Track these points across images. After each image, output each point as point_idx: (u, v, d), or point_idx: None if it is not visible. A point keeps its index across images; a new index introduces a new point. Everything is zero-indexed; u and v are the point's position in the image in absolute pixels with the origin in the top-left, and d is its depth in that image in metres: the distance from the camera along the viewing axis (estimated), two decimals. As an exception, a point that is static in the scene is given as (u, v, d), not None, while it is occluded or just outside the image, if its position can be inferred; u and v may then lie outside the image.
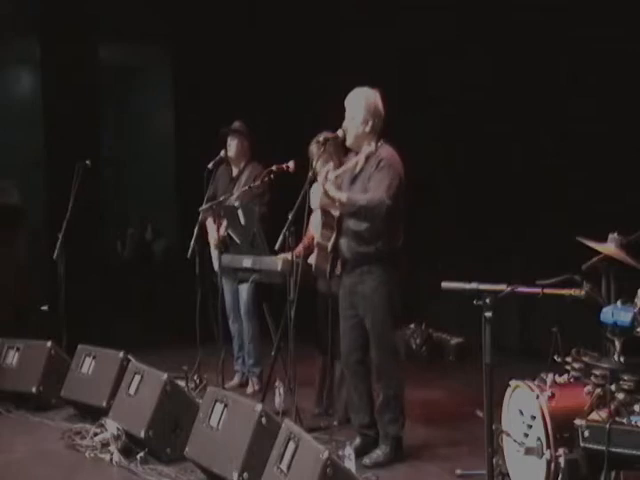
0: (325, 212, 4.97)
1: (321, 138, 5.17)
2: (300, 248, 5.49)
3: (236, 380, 6.73)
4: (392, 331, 5.06)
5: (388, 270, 4.88)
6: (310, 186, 4.94)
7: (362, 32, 8.47)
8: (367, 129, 4.92)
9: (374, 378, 5.00)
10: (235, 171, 6.69)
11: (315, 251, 5.10)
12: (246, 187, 6.26)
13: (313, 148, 5.85)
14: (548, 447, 3.94)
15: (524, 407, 4.18)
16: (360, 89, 4.99)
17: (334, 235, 4.94)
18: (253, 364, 6.61)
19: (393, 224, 4.86)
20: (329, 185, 4.81)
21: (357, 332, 4.99)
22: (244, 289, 6.47)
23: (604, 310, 3.88)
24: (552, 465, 3.92)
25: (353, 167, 5.02)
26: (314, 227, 5.31)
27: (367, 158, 4.94)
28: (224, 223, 6.28)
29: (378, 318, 4.90)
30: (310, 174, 4.93)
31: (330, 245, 4.95)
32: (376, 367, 4.96)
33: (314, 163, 5.20)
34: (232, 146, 6.59)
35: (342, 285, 5.02)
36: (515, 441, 4.16)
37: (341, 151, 5.35)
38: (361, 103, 4.93)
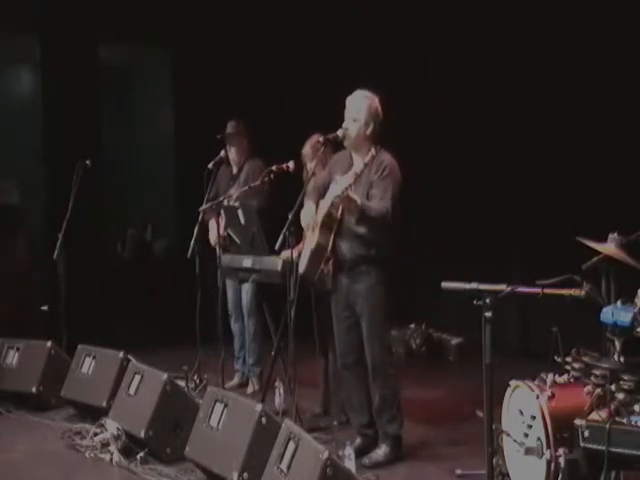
0: (329, 214, 4.95)
1: (321, 138, 5.16)
2: (301, 247, 5.49)
3: (236, 380, 6.74)
4: (387, 331, 5.11)
5: (385, 271, 4.91)
6: (304, 194, 4.95)
7: (363, 33, 8.47)
8: (368, 132, 4.92)
9: (370, 378, 5.00)
10: (235, 169, 6.70)
11: (308, 254, 5.03)
12: (246, 187, 6.27)
13: (307, 149, 5.85)
14: (548, 447, 3.94)
15: (524, 407, 4.18)
16: (361, 91, 4.99)
17: (332, 237, 4.94)
18: (253, 363, 6.61)
19: (393, 228, 4.88)
20: (352, 192, 4.77)
21: (353, 333, 5.00)
22: (246, 288, 6.47)
23: (604, 310, 3.88)
24: (552, 465, 3.92)
25: (348, 168, 5.00)
26: (304, 216, 5.18)
27: (368, 162, 4.93)
28: (223, 223, 6.28)
29: (374, 318, 4.92)
30: (306, 176, 4.92)
31: (330, 246, 4.94)
32: (372, 367, 4.97)
33: (309, 164, 5.20)
34: (232, 150, 6.61)
35: (338, 286, 5.01)
36: (515, 441, 4.16)
37: (334, 152, 5.34)
38: (364, 105, 4.93)
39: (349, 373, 5.12)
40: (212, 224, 6.50)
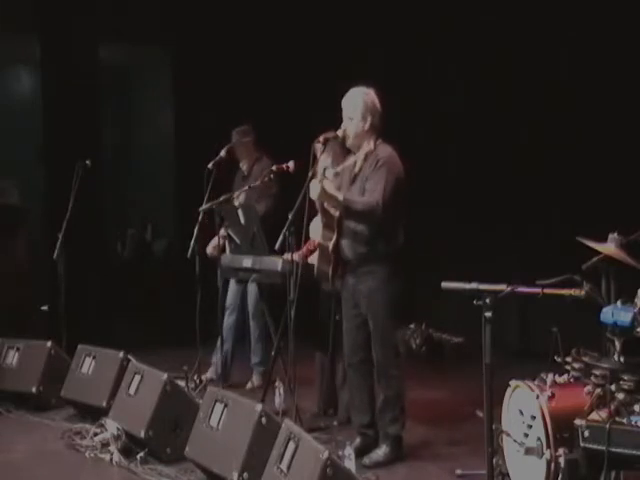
0: (325, 213, 4.97)
1: (321, 138, 5.18)
2: (305, 250, 5.53)
3: (209, 374, 6.67)
4: (394, 331, 5.06)
5: (389, 269, 4.88)
6: (306, 190, 4.96)
7: (363, 31, 8.47)
8: (366, 127, 4.92)
9: (375, 378, 5.00)
10: (246, 172, 6.76)
11: (317, 253, 5.10)
12: (246, 187, 6.30)
13: (317, 146, 5.85)
14: (548, 447, 3.94)
15: (524, 407, 4.18)
16: (356, 88, 5.00)
17: (335, 236, 4.94)
18: (258, 362, 6.63)
19: (393, 224, 4.87)
20: (327, 183, 4.81)
21: (361, 332, 4.99)
22: (253, 288, 6.47)
23: (604, 310, 3.88)
24: (552, 465, 3.92)
25: (352, 166, 5.02)
26: (313, 230, 5.31)
27: (366, 157, 4.94)
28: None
29: (380, 318, 4.90)
30: (310, 173, 4.94)
31: (331, 246, 4.95)
32: (377, 367, 4.96)
33: (318, 156, 5.22)
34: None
35: (345, 285, 5.02)
36: (515, 441, 4.16)
37: (347, 150, 5.35)
38: (358, 102, 4.93)
39: (354, 372, 5.10)
40: (216, 238, 6.49)
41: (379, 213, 4.75)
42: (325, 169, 4.89)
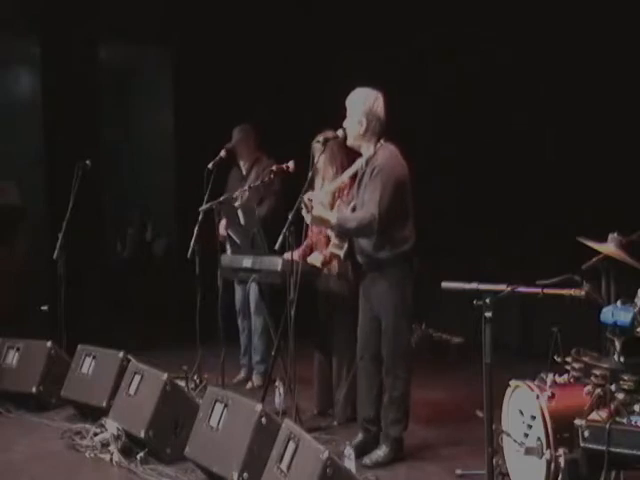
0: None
1: (321, 138, 5.17)
2: (304, 246, 5.54)
3: (242, 375, 6.74)
4: (405, 333, 4.98)
5: (400, 272, 4.87)
6: (309, 186, 4.97)
7: (364, 29, 8.47)
8: (362, 130, 4.89)
9: (383, 375, 4.99)
10: (245, 171, 6.74)
11: (335, 261, 5.22)
12: (246, 187, 6.30)
13: (316, 146, 5.86)
14: (548, 447, 3.94)
15: (524, 407, 4.18)
16: (361, 89, 4.97)
17: (346, 244, 4.96)
18: (259, 360, 6.63)
19: (396, 228, 4.85)
20: (317, 209, 4.80)
21: (374, 326, 4.96)
22: (253, 286, 6.47)
23: (604, 310, 3.88)
24: (552, 465, 3.93)
25: (361, 172, 5.00)
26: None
27: (367, 163, 4.93)
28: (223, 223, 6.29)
29: (390, 320, 4.89)
30: (310, 173, 4.94)
31: (343, 254, 4.97)
32: (385, 365, 4.94)
33: (316, 159, 5.23)
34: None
35: (361, 283, 5.04)
36: (515, 441, 4.16)
37: (344, 151, 5.35)
38: (358, 103, 4.91)
39: (364, 365, 5.06)
40: (223, 223, 6.49)
41: (375, 225, 4.74)
42: (309, 199, 4.82)
